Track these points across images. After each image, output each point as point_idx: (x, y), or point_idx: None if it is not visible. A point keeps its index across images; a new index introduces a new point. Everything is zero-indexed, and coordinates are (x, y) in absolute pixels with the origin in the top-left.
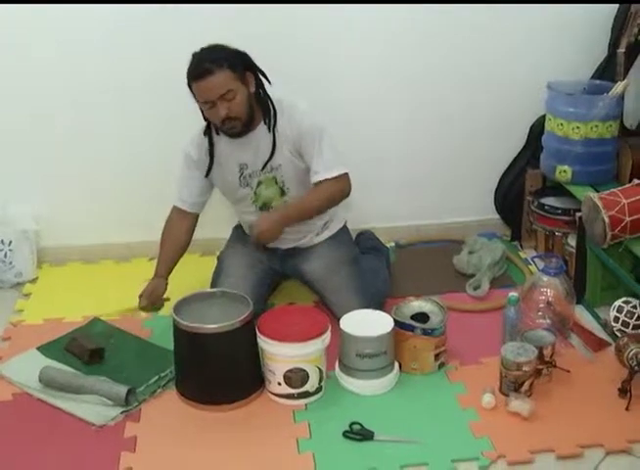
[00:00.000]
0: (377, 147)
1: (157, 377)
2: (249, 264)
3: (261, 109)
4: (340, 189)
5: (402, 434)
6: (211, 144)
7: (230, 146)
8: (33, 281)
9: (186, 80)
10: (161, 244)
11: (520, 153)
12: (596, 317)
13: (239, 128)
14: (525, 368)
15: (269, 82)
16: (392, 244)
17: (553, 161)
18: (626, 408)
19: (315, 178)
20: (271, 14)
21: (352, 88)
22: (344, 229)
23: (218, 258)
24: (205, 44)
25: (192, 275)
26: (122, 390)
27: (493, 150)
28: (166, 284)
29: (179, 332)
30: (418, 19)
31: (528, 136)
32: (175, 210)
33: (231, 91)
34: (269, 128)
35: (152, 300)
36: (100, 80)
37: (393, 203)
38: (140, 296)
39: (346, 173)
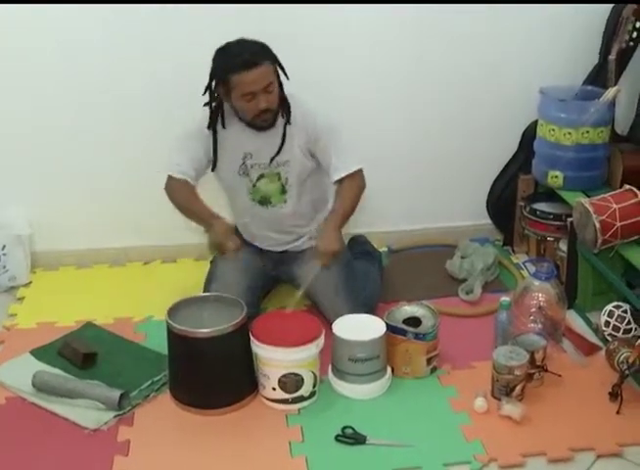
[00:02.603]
0: (370, 151)
1: (150, 381)
2: (242, 269)
3: (280, 102)
4: (360, 184)
5: (394, 438)
6: (215, 140)
7: (241, 134)
8: (27, 285)
9: (219, 72)
10: (186, 201)
11: (512, 158)
12: (587, 322)
13: (270, 120)
14: (517, 372)
15: (287, 77)
16: (385, 248)
17: (544, 166)
18: (617, 412)
19: (336, 175)
20: (271, 14)
21: (350, 89)
22: None
23: (211, 263)
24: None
25: (186, 280)
26: (116, 394)
27: (485, 155)
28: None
29: (173, 336)
30: (416, 20)
31: (521, 141)
32: (171, 179)
33: (272, 83)
34: (287, 121)
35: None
36: (99, 81)
37: (386, 207)
38: (219, 243)
39: (362, 169)
